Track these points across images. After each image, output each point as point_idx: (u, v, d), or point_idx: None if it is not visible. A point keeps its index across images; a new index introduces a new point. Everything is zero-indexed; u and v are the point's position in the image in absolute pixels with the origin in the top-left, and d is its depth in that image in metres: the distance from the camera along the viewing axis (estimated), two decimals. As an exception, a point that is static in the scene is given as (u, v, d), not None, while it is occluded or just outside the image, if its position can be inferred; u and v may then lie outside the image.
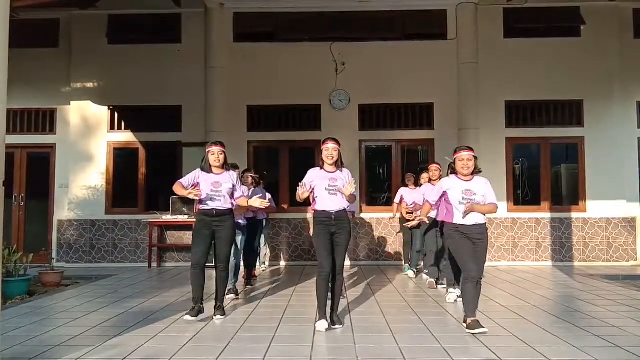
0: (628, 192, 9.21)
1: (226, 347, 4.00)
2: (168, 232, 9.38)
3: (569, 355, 3.77)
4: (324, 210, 4.71)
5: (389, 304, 5.71)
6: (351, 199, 4.74)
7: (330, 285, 4.70)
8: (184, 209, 9.02)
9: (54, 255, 8.93)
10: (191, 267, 5.07)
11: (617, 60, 9.33)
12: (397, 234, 9.19)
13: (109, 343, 4.10)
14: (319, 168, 4.85)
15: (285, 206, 9.39)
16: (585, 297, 6.04)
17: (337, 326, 4.61)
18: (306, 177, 4.84)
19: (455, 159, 4.65)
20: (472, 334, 4.30)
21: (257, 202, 5.18)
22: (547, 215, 9.27)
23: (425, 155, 9.58)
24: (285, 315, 5.11)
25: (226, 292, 5.47)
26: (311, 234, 9.26)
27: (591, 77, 9.30)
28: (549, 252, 9.21)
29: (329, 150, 4.76)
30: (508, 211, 9.26)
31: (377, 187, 9.67)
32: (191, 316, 4.88)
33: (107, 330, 4.53)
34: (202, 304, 5.00)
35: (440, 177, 6.82)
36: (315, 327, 4.53)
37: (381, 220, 9.34)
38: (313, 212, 4.88)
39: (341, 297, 5.33)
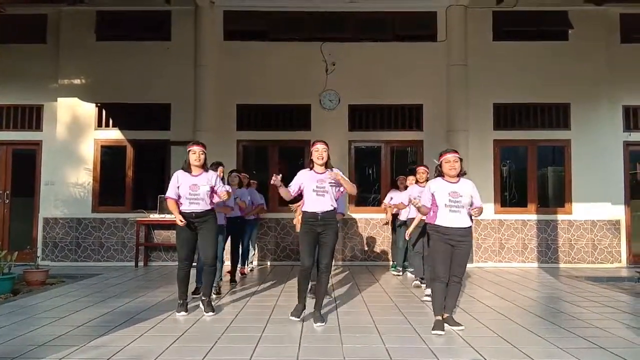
0: (613, 195, 9.32)
1: (212, 347, 3.99)
2: (155, 231, 9.31)
3: (553, 356, 3.81)
4: (310, 211, 4.82)
5: (376, 304, 5.73)
6: (351, 188, 4.89)
7: (314, 284, 4.79)
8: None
9: (39, 253, 8.82)
10: (178, 266, 5.21)
11: (604, 64, 9.44)
12: (385, 231, 9.24)
13: (94, 343, 4.06)
14: (308, 169, 4.94)
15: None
16: (570, 299, 6.10)
17: (319, 324, 4.67)
18: (296, 178, 4.95)
19: (441, 161, 4.70)
20: (432, 333, 4.37)
21: (224, 194, 5.33)
22: (534, 217, 9.35)
23: (414, 156, 9.62)
24: (272, 315, 5.10)
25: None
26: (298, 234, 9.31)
27: (578, 81, 9.40)
28: (535, 254, 9.29)
29: (319, 151, 4.85)
30: (495, 213, 9.33)
31: (366, 187, 9.68)
32: (180, 312, 5.05)
33: (92, 329, 4.49)
34: (187, 299, 5.24)
35: (427, 180, 6.88)
36: (288, 316, 4.74)
37: (370, 221, 9.37)
38: (299, 212, 4.98)
39: (327, 296, 5.45)
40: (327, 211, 4.79)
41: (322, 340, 4.23)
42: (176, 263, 8.97)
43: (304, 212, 4.87)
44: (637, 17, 9.56)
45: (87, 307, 5.44)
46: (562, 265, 9.22)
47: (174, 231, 9.05)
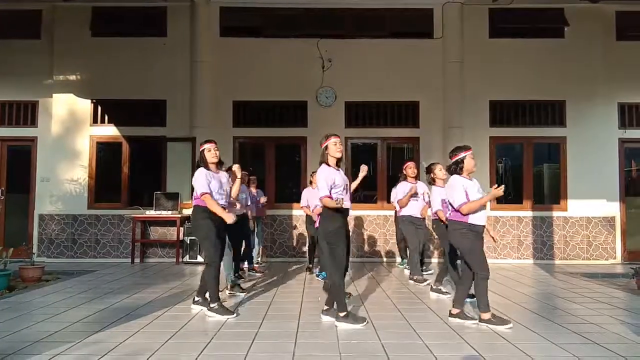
0: (608, 192, 9.37)
1: (209, 343, 3.99)
2: (151, 227, 9.30)
3: (548, 351, 3.83)
4: (345, 209, 4.59)
5: (372, 300, 5.75)
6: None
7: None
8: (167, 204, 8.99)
9: (34, 250, 8.77)
10: (210, 265, 4.92)
11: (599, 61, 9.47)
12: (381, 228, 9.27)
13: (90, 339, 4.06)
14: (327, 166, 4.62)
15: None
16: (565, 295, 6.14)
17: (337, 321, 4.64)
18: (327, 176, 4.53)
19: (465, 156, 4.62)
20: (506, 328, 4.39)
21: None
22: (529, 213, 9.39)
23: (411, 153, 9.63)
24: (269, 312, 5.11)
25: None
26: (295, 231, 9.31)
27: (574, 78, 9.42)
28: (530, 250, 9.34)
29: (337, 144, 4.64)
30: (491, 209, 9.35)
31: (362, 184, 9.66)
32: (235, 314, 4.89)
33: (88, 326, 4.49)
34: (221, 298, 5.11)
35: (417, 176, 6.92)
36: (336, 325, 4.51)
37: (366, 218, 9.38)
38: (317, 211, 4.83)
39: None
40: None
41: (318, 336, 4.24)
42: (172, 259, 9.05)
43: (336, 210, 4.52)
44: (632, 15, 9.60)
45: (83, 304, 5.43)
46: (557, 261, 9.27)
47: (170, 228, 9.15)
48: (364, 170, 4.87)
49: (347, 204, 4.61)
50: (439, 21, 9.52)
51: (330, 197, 4.48)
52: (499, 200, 9.48)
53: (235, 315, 4.86)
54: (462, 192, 4.52)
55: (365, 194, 9.49)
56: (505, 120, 9.53)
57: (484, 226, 4.59)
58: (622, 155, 9.51)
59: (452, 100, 9.34)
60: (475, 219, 4.51)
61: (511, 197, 9.54)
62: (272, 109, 9.54)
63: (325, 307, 4.84)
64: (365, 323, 4.55)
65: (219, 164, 5.22)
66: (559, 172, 9.50)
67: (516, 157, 9.63)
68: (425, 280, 6.72)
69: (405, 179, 7.01)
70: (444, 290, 5.95)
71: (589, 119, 9.40)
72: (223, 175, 5.21)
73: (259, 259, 8.89)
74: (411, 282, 6.82)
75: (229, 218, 4.83)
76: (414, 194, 6.79)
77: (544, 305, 5.60)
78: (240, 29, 9.61)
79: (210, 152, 5.08)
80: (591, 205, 9.33)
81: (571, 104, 9.46)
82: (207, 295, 5.05)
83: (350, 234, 9.26)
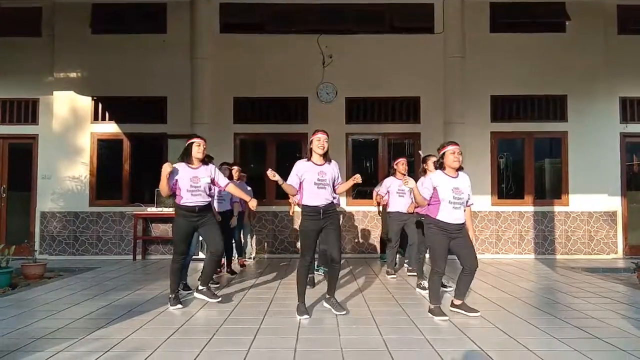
0: (610, 186, 9.36)
1: (211, 339, 4.00)
2: (153, 224, 9.32)
3: (549, 346, 3.84)
4: (312, 205, 4.70)
5: (373, 296, 5.75)
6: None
7: (311, 276, 4.87)
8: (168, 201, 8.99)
9: (36, 247, 8.82)
10: (174, 259, 5.18)
11: (601, 56, 9.44)
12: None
13: (93, 335, 4.07)
14: (305, 160, 4.83)
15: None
16: (566, 289, 6.14)
17: (342, 312, 4.76)
18: (295, 169, 4.81)
19: (445, 152, 4.66)
20: (438, 320, 4.54)
21: (245, 196, 5.50)
22: (531, 208, 9.39)
23: (412, 148, 9.63)
24: (270, 308, 5.12)
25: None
26: (297, 227, 9.32)
27: (575, 73, 9.40)
28: (531, 245, 9.34)
29: (321, 140, 4.75)
30: (492, 204, 9.37)
31: (363, 180, 9.65)
32: (176, 305, 5.05)
33: (90, 322, 4.50)
34: (179, 292, 5.31)
35: (405, 171, 6.89)
36: (299, 320, 4.58)
37: (367, 214, 9.38)
38: (299, 205, 4.88)
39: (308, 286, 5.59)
40: (329, 204, 4.74)
41: (319, 331, 4.25)
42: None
43: (305, 206, 4.73)
44: (634, 9, 9.56)
45: (85, 301, 5.44)
46: (558, 256, 9.27)
47: (171, 224, 9.12)
48: (356, 179, 4.86)
49: (319, 200, 4.68)
50: (439, 16, 9.49)
51: (291, 186, 4.73)
52: (501, 195, 9.49)
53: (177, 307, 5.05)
54: (429, 188, 4.67)
55: (366, 189, 9.48)
56: (506, 115, 9.52)
57: (453, 224, 4.59)
58: (623, 150, 9.49)
59: (453, 95, 9.32)
60: (442, 216, 4.59)
61: (512, 192, 9.54)
62: (272, 105, 9.53)
63: (327, 296, 5.00)
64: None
65: (204, 160, 5.22)
66: (561, 167, 9.49)
67: (517, 152, 9.62)
68: (394, 275, 6.96)
69: (394, 174, 6.97)
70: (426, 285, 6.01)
71: (591, 114, 9.38)
72: (203, 170, 5.16)
73: (253, 253, 8.93)
74: (388, 276, 6.98)
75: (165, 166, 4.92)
76: (400, 190, 6.76)
77: (545, 299, 5.60)
78: (241, 25, 9.60)
79: (199, 147, 5.13)
80: (592, 200, 9.32)
81: (572, 99, 9.44)
82: (207, 283, 5.32)
83: (349, 229, 9.35)
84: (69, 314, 4.81)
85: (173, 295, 5.13)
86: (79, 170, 9.36)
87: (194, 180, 5.07)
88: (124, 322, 4.51)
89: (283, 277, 7.08)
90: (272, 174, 4.59)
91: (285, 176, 4.84)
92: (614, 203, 9.37)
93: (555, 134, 9.53)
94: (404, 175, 6.88)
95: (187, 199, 5.06)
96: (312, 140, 4.81)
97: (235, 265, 7.87)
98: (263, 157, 9.58)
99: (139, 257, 9.03)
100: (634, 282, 6.60)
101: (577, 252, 9.32)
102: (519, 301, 5.46)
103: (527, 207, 9.40)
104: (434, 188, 4.65)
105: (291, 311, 4.89)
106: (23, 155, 9.55)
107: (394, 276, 6.96)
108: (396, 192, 6.81)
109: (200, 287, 5.29)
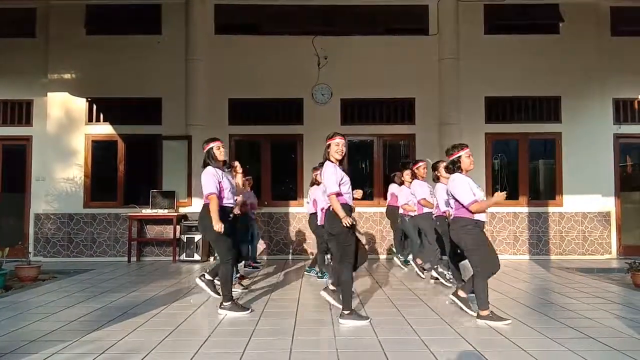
0: (603, 187, 9.40)
1: (206, 340, 4.00)
2: (148, 226, 9.29)
3: (544, 346, 3.85)
4: (349, 205, 4.61)
5: (369, 297, 5.76)
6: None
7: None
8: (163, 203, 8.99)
9: (30, 249, 8.79)
10: (227, 262, 4.90)
11: (594, 57, 9.49)
12: (378, 225, 9.29)
13: (87, 337, 4.06)
14: (333, 165, 4.58)
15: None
16: (560, 290, 6.17)
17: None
18: (333, 174, 4.50)
19: (461, 155, 4.68)
20: (504, 325, 4.43)
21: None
22: (525, 209, 9.42)
23: (407, 150, 9.65)
24: (265, 309, 5.11)
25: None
26: (291, 229, 9.32)
27: (569, 74, 9.45)
28: (526, 246, 9.37)
29: (339, 146, 4.59)
30: (487, 205, 9.38)
31: (358, 181, 9.69)
32: (249, 310, 4.94)
33: (85, 324, 4.49)
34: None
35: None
36: (364, 323, 4.49)
37: (363, 215, 9.39)
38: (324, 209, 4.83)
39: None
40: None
41: (315, 333, 4.25)
42: (168, 258, 9.06)
43: (344, 206, 4.50)
44: (627, 10, 9.62)
45: (79, 303, 5.42)
46: (553, 257, 9.30)
47: (166, 226, 9.15)
48: (357, 194, 4.80)
49: (351, 199, 4.66)
50: (434, 18, 9.53)
51: (340, 194, 4.49)
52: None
53: (249, 311, 4.93)
54: (468, 190, 4.55)
55: (359, 189, 9.47)
56: (500, 116, 9.55)
57: (484, 222, 4.66)
58: (617, 151, 9.54)
59: (448, 96, 9.35)
60: (480, 215, 4.59)
61: (507, 193, 9.54)
62: (267, 106, 9.52)
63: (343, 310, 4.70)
64: (368, 320, 4.56)
65: (224, 163, 5.22)
66: (555, 168, 9.53)
67: (512, 153, 9.66)
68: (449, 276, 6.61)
69: (415, 177, 6.97)
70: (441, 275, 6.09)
71: (584, 115, 9.43)
72: (228, 173, 5.28)
73: (264, 256, 8.97)
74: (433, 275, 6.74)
75: (218, 226, 4.69)
76: (431, 193, 6.77)
77: (539, 300, 5.62)
78: (235, 26, 9.59)
79: (220, 150, 5.06)
80: (586, 201, 9.37)
81: (566, 100, 9.48)
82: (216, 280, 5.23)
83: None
84: (63, 316, 4.79)
85: (235, 300, 4.95)
86: (73, 172, 9.32)
87: (231, 181, 5.13)
88: (119, 324, 4.50)
89: (279, 278, 7.07)
90: (358, 194, 4.72)
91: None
92: (608, 204, 9.42)
93: (549, 135, 9.57)
94: (423, 177, 6.86)
95: (229, 199, 5.03)
96: (329, 145, 4.61)
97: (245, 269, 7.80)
98: (258, 158, 9.57)
99: (133, 259, 9.00)
100: (627, 283, 6.64)
101: (572, 253, 9.36)
102: (513, 301, 5.49)
103: (521, 208, 9.43)
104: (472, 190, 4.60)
105: (287, 312, 4.89)
106: (17, 157, 9.50)
107: (449, 275, 6.48)
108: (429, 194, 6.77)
109: (225, 304, 4.90)
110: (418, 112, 9.52)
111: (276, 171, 9.54)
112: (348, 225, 4.35)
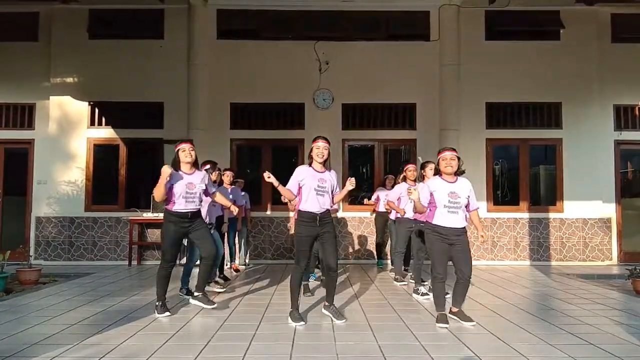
0: (604, 193, 9.41)
1: (206, 345, 4.00)
2: (148, 229, 9.30)
3: (544, 352, 3.85)
4: (310, 212, 4.71)
5: (369, 302, 5.76)
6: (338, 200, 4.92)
7: (305, 283, 5.12)
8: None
9: (31, 252, 8.79)
10: (162, 266, 5.10)
11: (595, 63, 9.52)
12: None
13: (88, 341, 4.06)
14: (307, 166, 4.83)
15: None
16: (561, 296, 6.16)
17: (342, 320, 4.74)
18: (296, 174, 4.81)
19: (438, 159, 4.74)
20: (438, 326, 4.55)
21: (227, 203, 5.52)
22: (526, 215, 9.42)
23: (408, 155, 9.66)
24: (266, 314, 5.12)
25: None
26: (293, 233, 9.32)
27: (570, 80, 9.47)
28: (527, 252, 9.37)
29: (320, 149, 4.75)
30: (487, 211, 9.39)
31: (359, 186, 9.68)
32: (164, 313, 4.98)
33: (85, 328, 4.49)
34: (165, 299, 5.17)
35: (416, 177, 6.90)
36: (294, 327, 4.58)
37: (363, 220, 9.40)
38: (296, 211, 4.88)
39: (308, 294, 5.94)
40: (325, 211, 4.75)
41: (315, 338, 4.25)
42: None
43: (301, 212, 4.74)
44: (628, 17, 9.65)
45: (80, 306, 5.43)
46: (553, 263, 9.30)
47: (160, 231, 9.09)
48: (351, 182, 4.81)
49: (316, 207, 4.68)
50: (435, 24, 9.56)
51: (289, 191, 4.77)
52: (496, 201, 9.53)
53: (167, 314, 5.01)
54: (426, 194, 4.71)
55: (362, 195, 9.49)
56: (501, 122, 9.57)
57: (450, 228, 4.60)
58: (617, 157, 9.56)
59: (449, 102, 9.37)
60: (438, 221, 4.63)
61: (508, 199, 9.58)
62: (269, 111, 9.55)
63: (326, 304, 4.94)
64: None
65: (195, 164, 5.21)
66: (555, 174, 9.54)
67: (512, 159, 9.67)
68: (404, 282, 6.92)
69: (405, 180, 6.98)
70: (423, 291, 5.98)
71: (585, 121, 9.45)
72: (197, 177, 5.15)
73: (247, 259, 8.90)
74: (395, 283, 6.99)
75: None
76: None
77: (540, 306, 5.62)
78: (238, 31, 9.62)
79: (185, 152, 5.07)
80: (587, 207, 9.37)
81: (567, 106, 9.50)
82: (203, 289, 5.32)
83: (344, 235, 9.36)
84: (64, 320, 4.80)
85: (160, 303, 5.03)
86: (74, 175, 9.34)
87: (189, 187, 5.04)
88: (119, 327, 4.50)
89: (279, 283, 7.07)
90: (267, 175, 4.69)
91: (284, 181, 4.86)
92: (609, 210, 9.42)
93: (550, 141, 9.58)
94: (414, 181, 6.87)
95: (181, 205, 5.00)
96: (312, 148, 4.81)
97: (229, 271, 7.87)
98: (259, 162, 9.59)
99: (134, 262, 9.01)
100: (628, 289, 6.63)
101: (572, 259, 9.35)
102: (514, 307, 5.48)
103: (522, 214, 9.44)
104: (431, 193, 4.69)
105: (287, 317, 4.89)
106: (19, 160, 9.52)
107: (404, 283, 6.88)
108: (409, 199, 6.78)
109: (196, 293, 5.27)
110: (419, 117, 9.54)
111: (277, 176, 9.47)
112: (266, 178, 4.66)
